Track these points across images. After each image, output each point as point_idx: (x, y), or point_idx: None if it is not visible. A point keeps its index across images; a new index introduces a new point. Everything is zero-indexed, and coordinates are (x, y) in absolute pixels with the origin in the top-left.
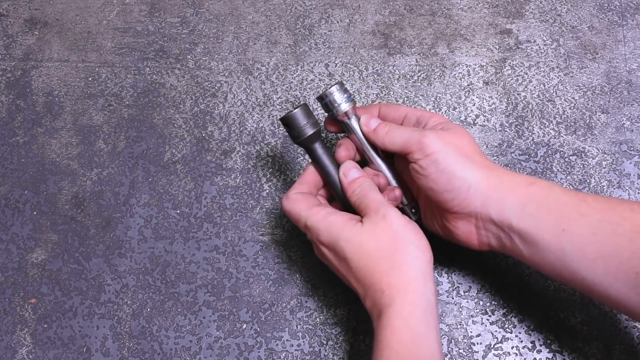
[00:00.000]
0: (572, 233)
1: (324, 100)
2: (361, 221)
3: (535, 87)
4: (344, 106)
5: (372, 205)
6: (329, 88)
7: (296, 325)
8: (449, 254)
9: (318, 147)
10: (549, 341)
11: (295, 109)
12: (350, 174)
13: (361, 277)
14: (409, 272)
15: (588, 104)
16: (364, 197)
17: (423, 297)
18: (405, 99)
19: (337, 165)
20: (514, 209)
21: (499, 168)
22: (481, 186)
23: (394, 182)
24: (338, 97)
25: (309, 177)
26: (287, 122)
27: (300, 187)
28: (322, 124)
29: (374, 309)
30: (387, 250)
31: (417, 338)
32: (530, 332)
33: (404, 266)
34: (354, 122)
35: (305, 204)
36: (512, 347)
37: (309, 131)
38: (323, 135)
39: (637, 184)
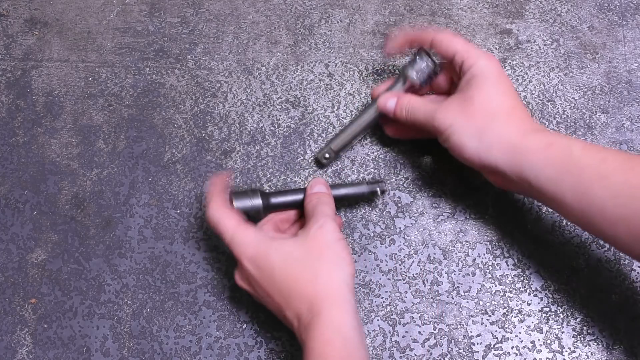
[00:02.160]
0: (592, 196)
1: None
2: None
3: (535, 87)
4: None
5: (315, 215)
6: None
7: None
8: (448, 252)
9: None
10: (549, 341)
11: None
12: (315, 188)
13: (285, 287)
14: (334, 281)
15: (588, 104)
16: (314, 206)
17: (349, 304)
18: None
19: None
20: (532, 171)
21: (520, 124)
22: (497, 153)
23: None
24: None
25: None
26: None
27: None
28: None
29: (298, 320)
30: (314, 257)
31: (349, 344)
32: (530, 332)
33: (330, 274)
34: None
35: (234, 221)
36: (512, 347)
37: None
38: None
39: None
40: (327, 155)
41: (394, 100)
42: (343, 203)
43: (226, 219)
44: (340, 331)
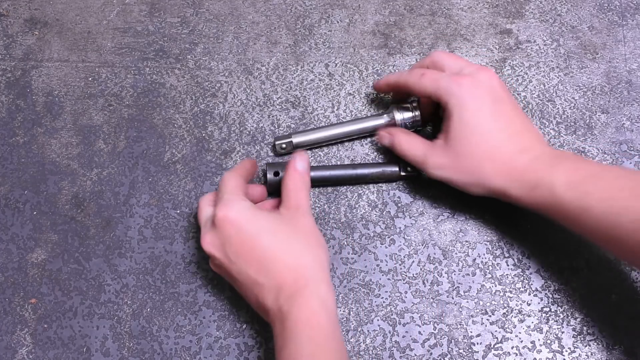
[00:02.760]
0: (581, 225)
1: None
2: (278, 209)
3: (535, 87)
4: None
5: (300, 200)
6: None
7: None
8: (448, 252)
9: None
10: (549, 341)
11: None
12: (298, 164)
13: (270, 255)
14: (322, 260)
15: (588, 104)
16: (299, 189)
17: (332, 285)
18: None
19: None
20: (525, 208)
21: (504, 168)
22: (493, 195)
23: None
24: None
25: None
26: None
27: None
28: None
29: (279, 290)
30: (301, 235)
31: (333, 320)
32: (530, 332)
33: (317, 253)
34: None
35: (237, 185)
36: (512, 347)
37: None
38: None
39: None
40: (283, 146)
41: (388, 139)
42: (369, 181)
43: (232, 180)
44: (326, 305)
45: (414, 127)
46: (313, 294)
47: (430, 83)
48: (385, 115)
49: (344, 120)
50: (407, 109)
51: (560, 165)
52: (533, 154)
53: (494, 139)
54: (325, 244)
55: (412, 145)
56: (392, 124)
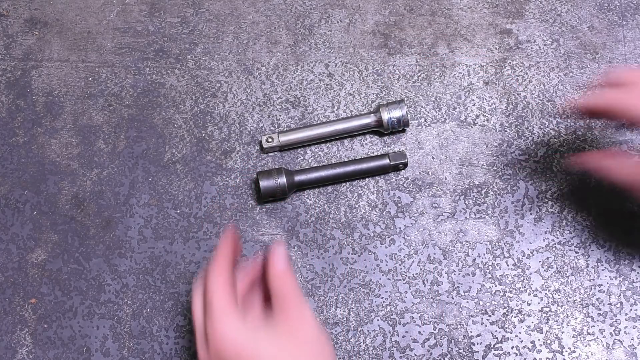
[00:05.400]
0: None
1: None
2: (271, 312)
3: (535, 87)
4: None
5: (291, 301)
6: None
7: None
8: (448, 252)
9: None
10: (549, 341)
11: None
12: (278, 265)
13: None
14: None
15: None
16: (288, 289)
17: None
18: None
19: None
20: None
21: None
22: None
23: None
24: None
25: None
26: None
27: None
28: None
29: None
30: (307, 351)
31: None
32: (530, 332)
33: None
34: None
35: (228, 299)
36: (512, 347)
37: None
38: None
39: None
40: (269, 140)
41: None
42: (360, 175)
43: (220, 290)
44: None
45: (402, 126)
46: None
47: None
48: (372, 114)
49: (332, 119)
50: (395, 108)
51: None
52: None
53: None
54: (331, 347)
55: (627, 172)
56: (379, 123)
